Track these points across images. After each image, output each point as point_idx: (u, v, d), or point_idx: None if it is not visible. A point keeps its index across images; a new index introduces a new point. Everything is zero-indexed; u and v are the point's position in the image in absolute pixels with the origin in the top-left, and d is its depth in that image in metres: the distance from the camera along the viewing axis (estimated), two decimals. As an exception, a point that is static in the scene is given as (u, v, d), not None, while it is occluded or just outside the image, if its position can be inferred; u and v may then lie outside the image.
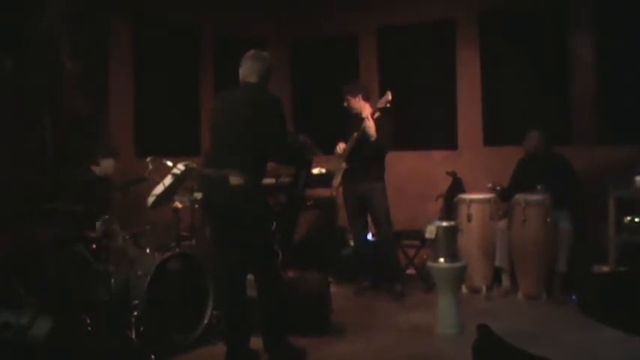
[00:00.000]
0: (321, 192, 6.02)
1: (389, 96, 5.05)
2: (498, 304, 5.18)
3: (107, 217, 4.22)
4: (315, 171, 5.66)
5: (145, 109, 5.79)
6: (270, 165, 4.83)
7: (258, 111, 3.67)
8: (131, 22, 5.69)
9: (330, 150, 5.49)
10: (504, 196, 5.44)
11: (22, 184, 4.72)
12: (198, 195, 4.61)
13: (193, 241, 4.69)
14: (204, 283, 4.26)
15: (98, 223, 4.29)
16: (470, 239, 5.38)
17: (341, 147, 5.45)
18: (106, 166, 4.85)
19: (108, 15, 5.51)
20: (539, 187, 5.19)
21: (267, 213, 3.76)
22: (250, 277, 3.86)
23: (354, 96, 5.38)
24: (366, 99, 5.42)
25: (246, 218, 3.67)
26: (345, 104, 5.42)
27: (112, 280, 3.99)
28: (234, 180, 3.60)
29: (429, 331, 4.38)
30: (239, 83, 3.85)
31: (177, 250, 4.29)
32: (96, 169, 4.84)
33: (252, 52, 3.87)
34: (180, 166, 4.45)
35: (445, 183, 6.05)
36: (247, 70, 3.81)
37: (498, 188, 5.49)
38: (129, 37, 5.69)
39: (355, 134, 5.31)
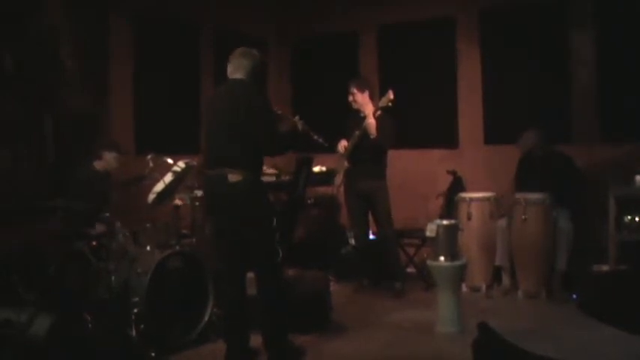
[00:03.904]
0: (322, 190, 6.02)
1: (391, 95, 5.05)
2: (498, 302, 5.18)
3: (107, 215, 4.23)
4: (316, 169, 5.66)
5: (145, 107, 5.80)
6: (271, 164, 4.86)
7: (242, 105, 3.65)
8: (131, 21, 5.70)
9: (331, 149, 5.50)
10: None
11: (23, 182, 4.73)
12: (199, 193, 4.62)
13: (193, 239, 4.70)
14: (205, 281, 4.26)
15: (98, 224, 4.30)
16: (470, 238, 5.38)
17: (343, 145, 5.46)
18: (109, 159, 4.85)
19: (108, 14, 5.51)
20: (542, 191, 5.19)
21: (268, 210, 3.76)
22: (250, 275, 3.86)
23: (362, 91, 5.37)
24: (371, 97, 5.43)
25: (246, 215, 3.67)
26: (350, 98, 5.41)
27: (112, 278, 3.99)
28: (233, 177, 3.60)
29: (429, 329, 4.38)
30: (226, 80, 3.86)
31: (177, 248, 4.30)
32: (99, 164, 4.84)
33: (240, 49, 3.87)
34: (181, 164, 4.46)
35: (445, 181, 6.05)
36: (234, 66, 3.82)
37: None
38: (129, 36, 5.69)
39: (357, 133, 5.32)
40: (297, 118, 4.05)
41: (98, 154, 4.84)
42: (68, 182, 4.74)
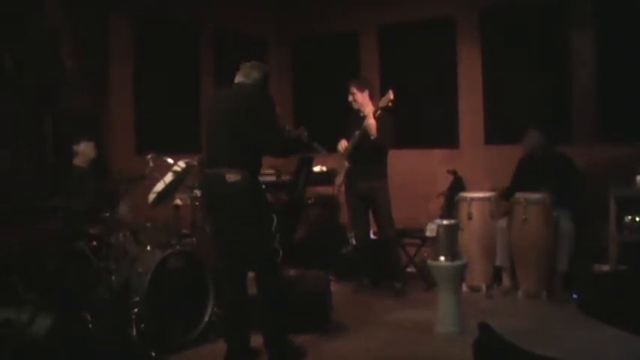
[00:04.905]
0: (323, 190, 6.02)
1: (391, 95, 5.05)
2: (499, 302, 5.18)
3: (108, 215, 4.22)
4: (317, 169, 5.67)
5: (145, 107, 5.80)
6: (272, 163, 4.85)
7: (244, 106, 3.67)
8: (131, 21, 5.69)
9: (331, 149, 5.51)
10: (507, 196, 5.44)
11: (23, 182, 4.73)
12: (199, 192, 4.62)
13: (194, 239, 4.69)
14: (205, 280, 4.26)
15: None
16: (470, 238, 5.38)
17: (343, 145, 5.46)
18: (82, 151, 4.80)
19: (108, 14, 5.51)
20: (542, 191, 5.19)
21: (267, 209, 3.76)
22: (251, 274, 3.86)
23: (362, 90, 5.37)
24: (371, 97, 5.43)
25: (245, 214, 3.67)
26: (350, 98, 5.41)
27: (113, 278, 3.99)
28: (231, 177, 3.61)
29: (429, 329, 4.38)
30: (230, 84, 3.88)
31: (177, 247, 4.30)
32: (78, 161, 4.80)
33: (253, 62, 3.90)
34: (181, 164, 4.45)
35: (446, 181, 6.05)
36: (242, 73, 3.84)
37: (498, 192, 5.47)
38: (129, 36, 5.69)
39: (357, 133, 5.32)
40: (301, 128, 4.05)
41: (72, 152, 4.81)
42: (66, 183, 4.74)
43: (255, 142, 3.67)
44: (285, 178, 5.17)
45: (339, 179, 5.55)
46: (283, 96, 7.28)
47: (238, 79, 3.85)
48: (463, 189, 5.89)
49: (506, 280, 5.38)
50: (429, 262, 4.54)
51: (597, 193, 5.34)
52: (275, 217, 3.75)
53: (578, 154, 5.48)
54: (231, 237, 3.77)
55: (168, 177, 4.41)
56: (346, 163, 5.49)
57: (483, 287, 5.42)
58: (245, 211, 3.67)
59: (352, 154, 5.44)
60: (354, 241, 5.82)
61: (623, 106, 5.63)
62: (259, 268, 3.77)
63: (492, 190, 5.62)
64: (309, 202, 6.11)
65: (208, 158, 3.80)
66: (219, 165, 3.66)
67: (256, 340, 3.81)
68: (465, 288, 5.33)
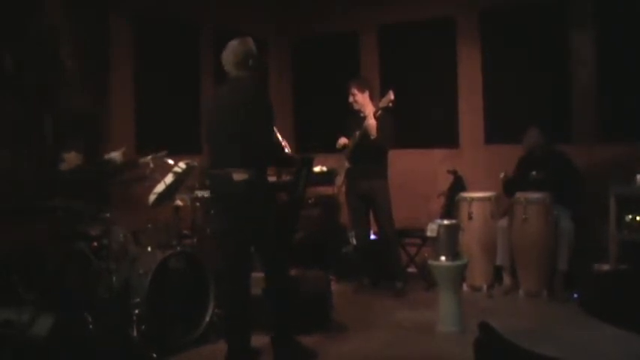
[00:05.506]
0: (323, 190, 6.02)
1: (391, 95, 5.05)
2: (499, 302, 5.18)
3: (108, 215, 4.21)
4: (317, 169, 5.67)
5: (146, 107, 5.79)
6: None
7: (241, 107, 3.67)
8: (131, 21, 5.69)
9: (331, 149, 5.51)
10: (508, 188, 5.43)
11: (22, 182, 4.72)
12: (199, 193, 4.62)
13: (194, 240, 4.69)
14: (206, 281, 4.26)
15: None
16: (471, 237, 5.38)
17: (342, 142, 5.45)
18: (69, 159, 4.79)
19: (108, 14, 5.51)
20: (533, 173, 5.20)
21: (274, 208, 3.78)
22: (253, 275, 3.87)
23: (363, 91, 5.38)
24: (371, 97, 5.43)
25: (252, 214, 3.67)
26: (351, 99, 5.41)
27: (113, 279, 3.99)
28: (238, 176, 3.61)
29: (429, 329, 4.38)
30: (226, 79, 3.88)
31: (178, 248, 4.30)
32: (64, 167, 4.79)
33: (229, 43, 3.82)
34: (182, 165, 4.45)
35: (446, 181, 6.06)
36: (225, 63, 3.81)
37: (503, 175, 5.45)
38: (129, 36, 5.69)
39: (357, 133, 5.32)
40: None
41: (60, 157, 4.80)
42: (66, 182, 4.72)
43: (255, 140, 3.68)
44: (285, 178, 5.16)
45: (340, 180, 5.55)
46: (283, 96, 7.28)
47: (228, 72, 3.81)
48: (463, 189, 5.89)
49: (506, 280, 5.39)
50: (430, 262, 4.55)
51: (597, 193, 5.34)
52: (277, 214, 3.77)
53: (578, 154, 5.49)
54: (237, 237, 3.76)
55: (169, 178, 4.41)
56: (346, 163, 5.50)
57: (484, 287, 5.42)
58: (252, 211, 3.67)
59: (352, 154, 5.44)
60: (354, 241, 5.83)
61: (622, 106, 5.63)
62: (267, 267, 3.78)
63: (501, 176, 5.56)
64: (309, 202, 6.11)
65: (213, 159, 3.80)
66: (224, 165, 3.66)
67: (257, 340, 3.81)
68: (465, 288, 5.34)
